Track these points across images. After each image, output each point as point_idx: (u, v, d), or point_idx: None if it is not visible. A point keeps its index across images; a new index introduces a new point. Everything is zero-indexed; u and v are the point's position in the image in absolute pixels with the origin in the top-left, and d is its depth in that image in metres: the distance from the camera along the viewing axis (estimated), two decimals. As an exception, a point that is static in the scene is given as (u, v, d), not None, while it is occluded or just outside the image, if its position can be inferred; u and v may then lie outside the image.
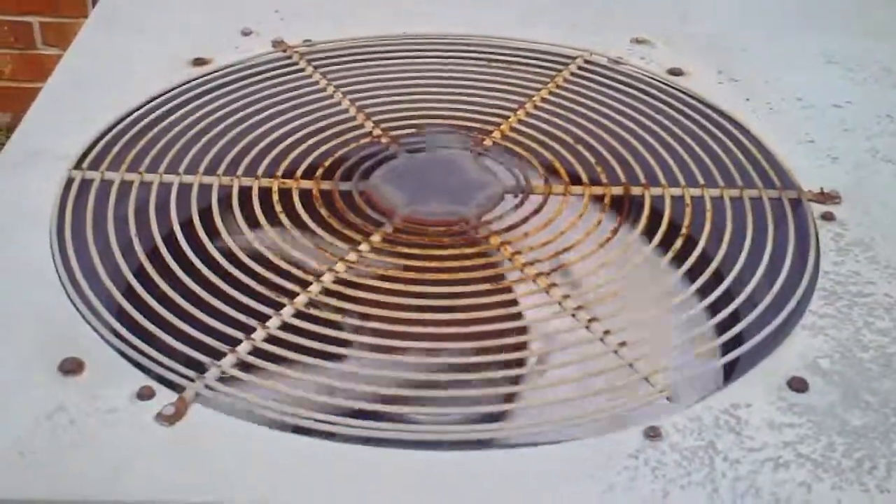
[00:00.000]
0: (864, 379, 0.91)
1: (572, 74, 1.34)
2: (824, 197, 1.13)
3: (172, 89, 1.27)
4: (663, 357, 0.92)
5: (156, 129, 1.20)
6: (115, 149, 1.16)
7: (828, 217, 1.11)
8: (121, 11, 1.47)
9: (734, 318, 0.99)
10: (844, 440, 0.85)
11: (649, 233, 1.08)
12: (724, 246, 1.06)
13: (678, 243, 1.06)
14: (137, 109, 1.23)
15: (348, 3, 1.50)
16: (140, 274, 1.00)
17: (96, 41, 1.40)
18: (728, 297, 1.01)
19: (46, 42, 2.58)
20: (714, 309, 0.99)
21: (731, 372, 0.94)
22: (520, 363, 0.94)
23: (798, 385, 0.90)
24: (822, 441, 0.85)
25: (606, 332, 0.95)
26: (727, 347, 0.95)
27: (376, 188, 1.14)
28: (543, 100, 1.29)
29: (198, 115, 1.23)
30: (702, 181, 1.15)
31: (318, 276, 1.00)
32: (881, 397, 0.89)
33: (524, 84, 1.32)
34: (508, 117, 1.26)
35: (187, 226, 1.06)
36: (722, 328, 0.97)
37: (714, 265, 1.04)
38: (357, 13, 1.47)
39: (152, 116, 1.22)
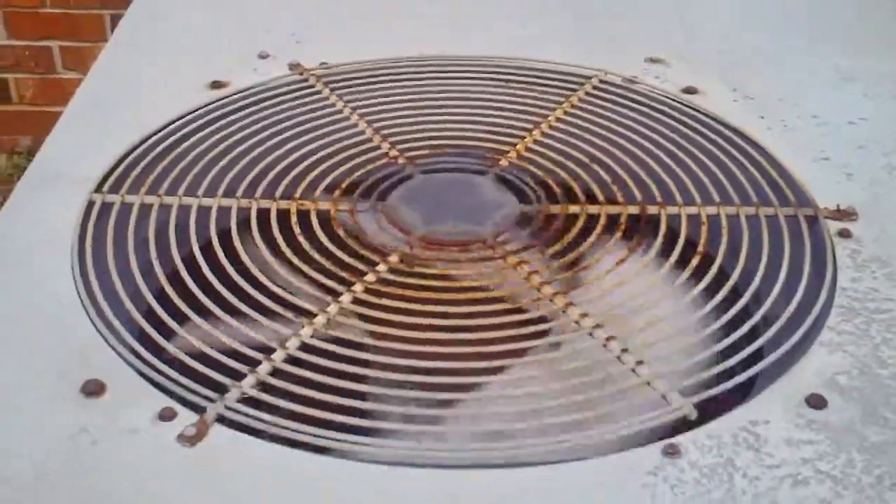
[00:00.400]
0: (883, 395, 0.91)
1: (587, 94, 1.34)
2: (841, 214, 1.13)
3: (191, 112, 1.29)
4: (681, 375, 0.92)
5: (175, 153, 1.21)
6: (135, 172, 1.18)
7: (844, 234, 1.11)
8: (139, 35, 1.49)
9: (752, 335, 0.99)
10: (864, 457, 0.85)
11: (666, 251, 1.08)
12: (741, 263, 1.07)
13: (694, 261, 1.06)
14: (157, 133, 1.25)
15: (364, 26, 1.51)
16: (160, 296, 1.01)
17: (115, 64, 1.42)
18: (745, 314, 1.01)
19: (66, 66, 2.61)
20: (731, 326, 0.99)
21: (749, 389, 0.94)
22: (536, 382, 0.94)
23: (816, 402, 0.90)
24: (841, 458, 0.85)
25: (624, 351, 0.95)
26: (745, 365, 0.95)
27: (393, 209, 1.14)
28: (559, 119, 1.30)
29: (216, 137, 1.24)
30: (717, 199, 1.16)
31: (336, 296, 1.01)
32: (901, 414, 0.90)
33: (539, 104, 1.33)
34: (524, 137, 1.27)
35: (207, 248, 1.07)
36: (739, 346, 0.97)
37: (731, 283, 1.04)
38: (372, 36, 1.48)
39: (171, 140, 1.23)
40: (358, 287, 1.03)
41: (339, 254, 1.07)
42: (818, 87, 1.37)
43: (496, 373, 0.93)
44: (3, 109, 2.70)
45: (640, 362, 0.94)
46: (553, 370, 0.95)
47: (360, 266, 1.06)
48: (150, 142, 1.23)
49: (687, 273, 1.05)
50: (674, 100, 1.33)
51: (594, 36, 1.49)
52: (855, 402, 0.90)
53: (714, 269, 1.05)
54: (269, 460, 0.84)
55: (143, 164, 1.19)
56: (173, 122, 1.27)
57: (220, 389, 0.90)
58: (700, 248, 1.08)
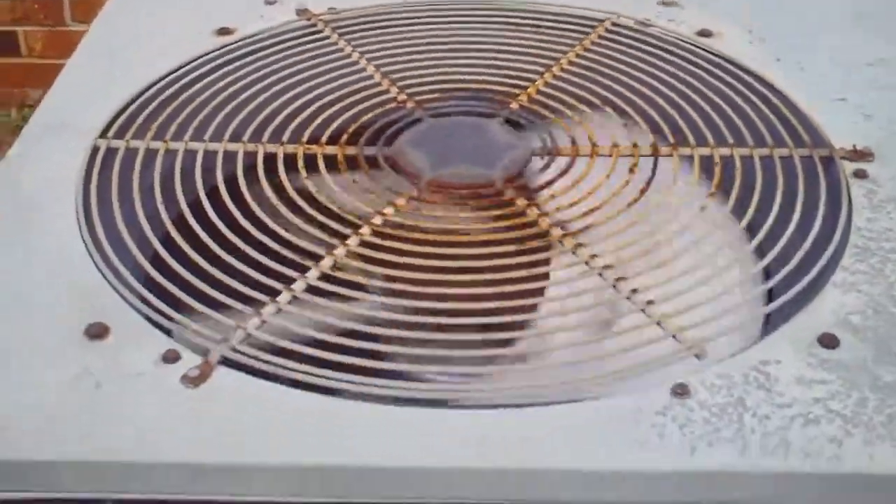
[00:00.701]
0: (897, 335, 0.90)
1: (600, 37, 1.32)
2: (857, 154, 1.11)
3: (196, 59, 1.27)
4: (692, 314, 0.91)
5: (180, 99, 1.20)
6: (140, 118, 1.16)
7: (860, 174, 1.09)
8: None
9: (765, 275, 0.98)
10: (876, 396, 0.84)
11: (678, 192, 1.07)
12: (754, 204, 1.05)
13: (707, 203, 1.04)
14: (162, 79, 1.23)
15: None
16: (166, 241, 1.00)
17: (120, 13, 1.40)
18: (759, 254, 1.00)
19: (75, 18, 2.60)
20: (745, 266, 0.98)
21: (761, 329, 0.93)
22: (547, 323, 0.93)
23: (828, 341, 0.89)
24: (853, 397, 0.84)
25: (634, 291, 0.94)
26: (758, 304, 0.94)
27: (401, 153, 1.13)
28: (571, 63, 1.27)
29: (222, 83, 1.23)
30: (731, 140, 1.14)
31: (343, 238, 1.00)
32: (915, 353, 0.88)
33: (551, 47, 1.30)
34: (535, 80, 1.25)
35: (213, 192, 1.06)
36: (753, 285, 0.96)
37: (744, 223, 1.02)
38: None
39: (177, 86, 1.22)
40: (365, 230, 1.02)
41: (348, 197, 1.06)
42: (835, 28, 1.35)
43: (504, 313, 0.92)
44: (13, 62, 2.69)
45: (650, 302, 0.92)
46: (561, 310, 0.94)
47: (368, 209, 1.05)
48: (154, 88, 1.21)
49: (699, 212, 1.03)
50: (688, 42, 1.31)
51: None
52: (868, 342, 0.89)
53: (727, 209, 1.04)
54: (274, 401, 0.83)
55: (148, 110, 1.18)
56: (179, 68, 1.26)
57: (225, 331, 0.89)
58: (713, 189, 1.06)
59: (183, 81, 1.23)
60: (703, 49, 1.29)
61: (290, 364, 0.86)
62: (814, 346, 0.88)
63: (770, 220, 1.03)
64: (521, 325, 0.91)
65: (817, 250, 0.99)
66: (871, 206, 1.05)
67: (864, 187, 1.07)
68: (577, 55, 1.29)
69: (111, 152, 1.12)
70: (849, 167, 1.10)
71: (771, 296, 0.95)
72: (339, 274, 0.96)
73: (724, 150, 1.12)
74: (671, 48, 1.29)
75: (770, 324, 0.93)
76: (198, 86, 1.22)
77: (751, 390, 0.84)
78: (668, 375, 0.86)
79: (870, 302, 0.93)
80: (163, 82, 1.23)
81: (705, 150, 1.12)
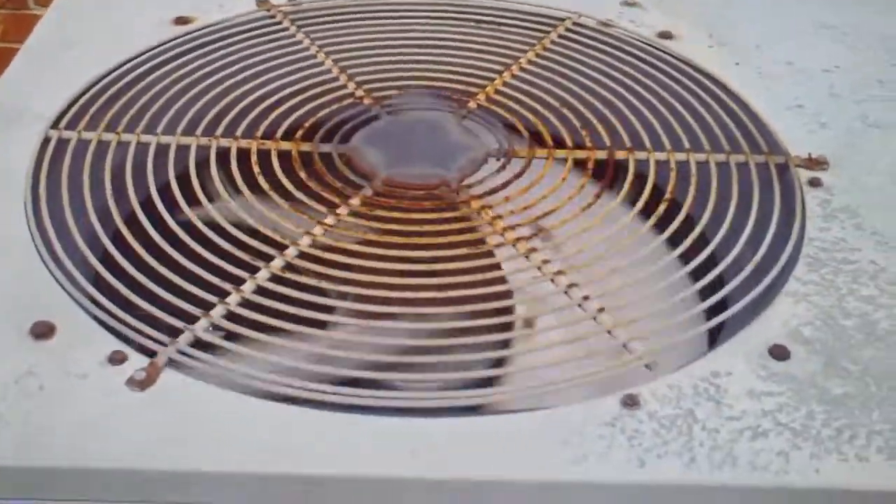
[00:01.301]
0: (846, 347, 0.90)
1: (560, 37, 1.31)
2: (812, 163, 1.11)
3: (153, 48, 1.25)
4: (643, 324, 0.91)
5: (135, 89, 1.18)
6: (93, 108, 1.14)
7: (815, 183, 1.09)
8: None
9: (718, 284, 0.98)
10: (824, 408, 0.84)
11: (633, 198, 1.06)
12: (709, 211, 1.05)
13: (661, 208, 1.05)
14: (117, 69, 1.21)
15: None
16: (116, 238, 0.98)
17: (78, 0, 1.37)
18: (712, 263, 1.00)
19: (38, 2, 2.55)
20: (697, 275, 0.98)
21: (713, 339, 0.93)
22: (497, 329, 0.93)
23: (779, 353, 0.89)
24: (801, 410, 0.84)
25: (585, 298, 0.94)
26: (709, 314, 0.94)
27: (357, 150, 1.12)
28: (530, 62, 1.27)
29: (178, 74, 1.21)
30: (688, 146, 1.14)
31: (294, 239, 0.99)
32: (862, 366, 0.88)
33: (511, 46, 1.30)
34: (494, 79, 1.24)
35: (165, 188, 1.04)
36: (705, 294, 0.96)
37: (698, 230, 1.02)
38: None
39: (132, 76, 1.20)
40: (318, 230, 1.01)
41: (300, 195, 1.05)
42: (795, 34, 1.35)
43: (452, 319, 0.91)
44: (-27, 46, 2.64)
45: (601, 310, 0.92)
46: (512, 318, 0.93)
47: (321, 208, 1.03)
48: (109, 78, 1.19)
49: (653, 220, 1.03)
50: (648, 44, 1.30)
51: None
52: (818, 354, 0.89)
53: (681, 217, 1.04)
54: (222, 406, 0.82)
55: (101, 100, 1.16)
56: (135, 58, 1.24)
57: (173, 333, 0.88)
58: (667, 196, 1.06)
59: (138, 71, 1.21)
60: (663, 51, 1.29)
61: (240, 368, 0.85)
62: (765, 357, 0.89)
63: (724, 228, 1.03)
64: (471, 332, 0.90)
65: (770, 259, 0.99)
66: (825, 216, 1.05)
67: (818, 196, 1.08)
68: (537, 54, 1.28)
69: (62, 143, 1.10)
70: (804, 175, 1.10)
71: (724, 305, 0.95)
72: (288, 275, 0.95)
73: (681, 156, 1.12)
74: (631, 49, 1.29)
75: (722, 334, 0.93)
76: (153, 76, 1.20)
77: (701, 402, 0.84)
78: (617, 386, 0.85)
79: (820, 313, 0.93)
80: (118, 71, 1.21)
81: (662, 156, 1.12)
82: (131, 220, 1.00)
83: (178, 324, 0.89)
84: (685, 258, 0.99)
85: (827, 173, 1.11)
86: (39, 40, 1.29)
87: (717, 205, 1.06)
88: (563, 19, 1.34)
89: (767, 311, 0.93)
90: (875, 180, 1.10)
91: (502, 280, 0.96)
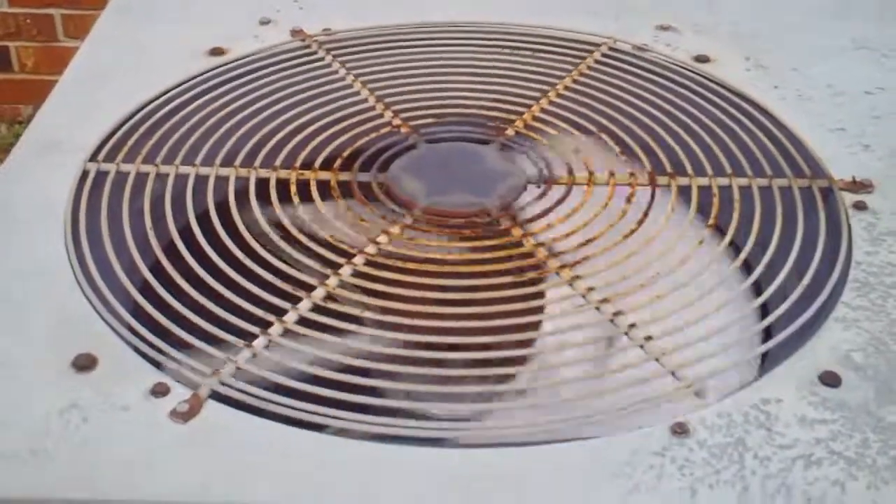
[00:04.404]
0: (899, 373, 0.88)
1: (597, 62, 1.31)
2: (856, 185, 1.10)
3: (189, 80, 1.26)
4: (691, 351, 0.90)
5: (173, 121, 1.18)
6: (131, 140, 1.15)
7: (860, 206, 1.07)
8: (137, 2, 1.45)
9: (764, 310, 0.96)
10: (879, 437, 0.82)
11: (676, 222, 1.05)
12: (753, 237, 1.04)
13: (705, 235, 1.03)
14: (154, 100, 1.22)
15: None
16: (156, 268, 0.98)
17: (113, 31, 1.38)
18: (757, 289, 0.98)
19: (68, 34, 2.58)
20: (743, 301, 0.96)
21: (761, 366, 0.91)
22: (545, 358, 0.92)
23: (830, 380, 0.87)
24: (855, 438, 0.82)
25: (632, 326, 0.92)
26: (757, 341, 0.93)
27: (396, 179, 1.11)
28: (567, 88, 1.26)
29: (215, 105, 1.21)
30: (729, 170, 1.12)
31: (336, 268, 0.98)
32: (917, 393, 0.87)
33: (548, 72, 1.29)
34: (532, 106, 1.23)
35: (204, 218, 1.04)
36: (751, 320, 0.95)
37: (742, 256, 1.01)
38: (377, 1, 1.44)
39: (169, 108, 1.20)
40: (358, 259, 1.00)
41: (340, 225, 1.04)
42: (833, 56, 1.34)
43: (501, 348, 0.90)
44: (5, 78, 2.67)
45: (648, 338, 0.91)
46: (559, 345, 0.92)
47: (361, 238, 1.03)
48: (146, 110, 1.20)
49: (697, 246, 1.02)
50: (686, 68, 1.29)
51: (604, 2, 1.45)
52: (870, 380, 0.88)
53: (725, 241, 1.02)
54: (266, 438, 0.81)
55: (139, 132, 1.16)
56: (171, 90, 1.24)
57: (215, 364, 0.87)
58: (711, 221, 1.05)
59: (175, 103, 1.21)
60: (701, 75, 1.28)
61: (282, 400, 0.84)
62: (815, 384, 0.87)
63: (769, 254, 1.01)
64: (518, 360, 0.89)
65: (817, 285, 0.97)
66: (871, 239, 1.03)
67: (863, 220, 1.06)
68: (574, 80, 1.27)
69: (101, 176, 1.10)
70: (848, 199, 1.08)
71: (771, 331, 0.94)
72: (331, 305, 0.94)
73: (723, 181, 1.11)
74: (669, 74, 1.28)
75: (770, 360, 0.91)
76: (190, 108, 1.21)
77: (751, 430, 0.83)
78: (666, 414, 0.84)
79: (871, 339, 0.92)
80: (154, 104, 1.21)
81: (703, 181, 1.11)
82: (170, 251, 1.00)
83: (220, 354, 0.88)
84: (730, 284, 0.98)
85: (872, 196, 1.09)
86: (75, 73, 1.29)
87: (762, 230, 1.05)
88: (598, 44, 1.34)
89: (816, 337, 0.92)
90: (921, 202, 1.09)
91: (545, 309, 0.95)
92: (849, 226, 1.05)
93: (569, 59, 1.32)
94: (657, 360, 0.89)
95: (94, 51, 1.34)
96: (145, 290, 0.95)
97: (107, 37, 1.37)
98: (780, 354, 0.91)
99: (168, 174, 1.11)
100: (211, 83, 1.25)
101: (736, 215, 1.06)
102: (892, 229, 1.05)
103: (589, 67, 1.30)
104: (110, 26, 1.40)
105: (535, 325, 0.92)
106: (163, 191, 1.08)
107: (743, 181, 1.11)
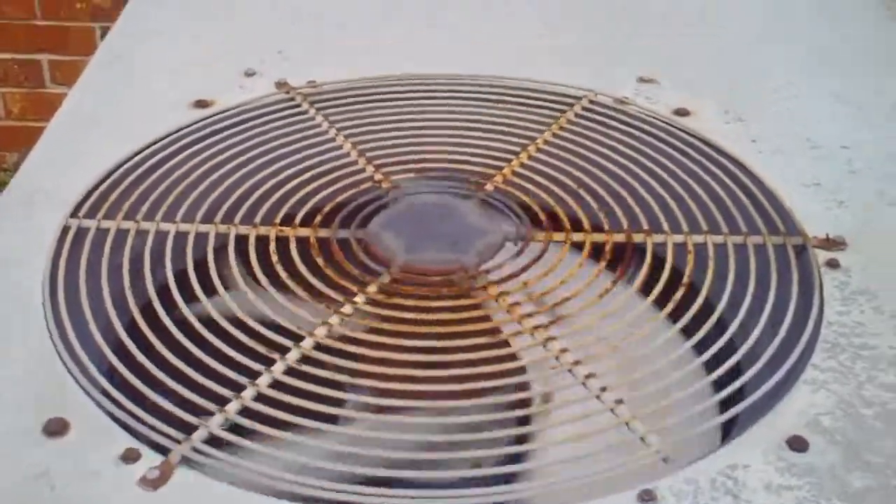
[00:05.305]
0: (867, 437, 0.89)
1: (576, 115, 1.32)
2: (829, 243, 1.11)
3: (173, 133, 1.27)
4: (661, 415, 0.90)
5: (155, 175, 1.19)
6: (113, 195, 1.16)
7: (833, 264, 1.08)
8: (125, 51, 1.47)
9: (736, 371, 0.97)
10: None
11: (651, 282, 1.06)
12: (726, 296, 1.04)
13: (679, 293, 1.04)
14: (137, 154, 1.23)
15: (353, 43, 1.49)
16: (131, 329, 0.99)
17: (100, 81, 1.40)
18: (730, 349, 0.99)
19: (55, 80, 2.59)
20: (715, 364, 0.97)
21: (730, 429, 0.92)
22: (513, 423, 0.92)
23: (798, 444, 0.88)
24: (821, 505, 0.83)
25: (603, 389, 0.93)
26: (727, 404, 0.93)
27: (374, 236, 1.12)
28: (546, 142, 1.27)
29: (197, 160, 1.23)
30: (705, 227, 1.13)
31: (311, 330, 0.99)
32: (884, 457, 0.87)
33: (528, 126, 1.30)
34: (511, 161, 1.24)
35: (182, 276, 1.05)
36: (723, 383, 0.95)
37: (715, 316, 1.02)
38: (363, 53, 1.46)
39: (151, 162, 1.21)
40: (334, 319, 1.01)
41: (317, 283, 1.05)
42: (813, 110, 1.35)
43: (469, 413, 0.91)
44: (-9, 124, 2.71)
45: (619, 401, 0.92)
46: (529, 409, 0.93)
47: (338, 297, 1.04)
48: (129, 164, 1.21)
49: (671, 305, 1.03)
50: (664, 122, 1.31)
51: (585, 54, 1.47)
52: (838, 445, 0.88)
53: (699, 302, 1.03)
54: (235, 504, 0.82)
55: (121, 187, 1.17)
56: (156, 142, 1.25)
57: (188, 430, 0.88)
58: (685, 280, 1.06)
59: (158, 157, 1.22)
60: (680, 129, 1.29)
61: (255, 466, 0.84)
62: (783, 448, 0.88)
63: (741, 315, 1.02)
64: (485, 426, 0.89)
65: (788, 346, 0.98)
66: (843, 299, 1.04)
67: (836, 278, 1.07)
68: (554, 134, 1.29)
69: (82, 232, 1.11)
70: (822, 256, 1.09)
71: (742, 393, 0.95)
72: (304, 367, 0.95)
73: (699, 238, 1.12)
74: (647, 128, 1.30)
75: (740, 424, 0.92)
76: (172, 161, 1.22)
77: (719, 496, 0.83)
78: (634, 480, 0.85)
79: (839, 402, 0.92)
80: (138, 157, 1.22)
81: (679, 238, 1.12)
82: (147, 311, 1.00)
83: (193, 420, 0.89)
84: (703, 346, 0.98)
85: (845, 254, 1.10)
86: (62, 122, 1.30)
87: (735, 289, 1.05)
88: (579, 98, 1.35)
89: (785, 400, 0.93)
90: (894, 260, 1.09)
91: (521, 371, 0.96)
92: (821, 285, 1.06)
93: (549, 112, 1.33)
94: (627, 424, 0.90)
95: (81, 100, 1.36)
96: (120, 351, 0.96)
97: (94, 87, 1.39)
98: (748, 418, 0.92)
99: (148, 231, 1.12)
100: (194, 136, 1.27)
101: (710, 273, 1.07)
102: (863, 288, 1.05)
103: (569, 121, 1.31)
104: (98, 76, 1.41)
105: (507, 390, 0.93)
106: (142, 248, 1.09)
107: (718, 238, 1.12)
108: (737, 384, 0.94)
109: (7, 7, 2.51)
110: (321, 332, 0.99)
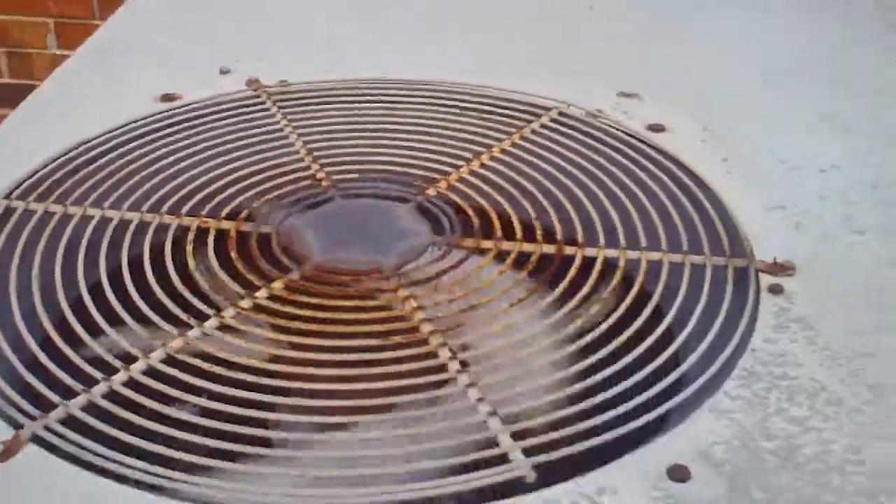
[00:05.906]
0: (759, 472, 0.82)
1: (542, 126, 1.27)
2: (776, 267, 1.04)
3: (130, 123, 1.26)
4: (536, 433, 0.84)
5: (96, 164, 1.19)
6: (47, 183, 1.15)
7: (776, 289, 1.01)
8: (113, 45, 1.48)
9: (635, 392, 0.91)
10: (716, 542, 0.76)
11: (570, 295, 1.00)
12: (646, 314, 0.98)
13: (594, 309, 0.98)
14: (86, 143, 1.22)
15: (332, 45, 1.47)
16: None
17: (76, 73, 1.41)
18: (636, 370, 0.93)
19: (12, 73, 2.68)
20: (614, 382, 0.91)
21: (610, 453, 0.86)
22: (385, 427, 0.88)
23: (678, 474, 0.81)
24: (687, 540, 0.76)
25: (479, 400, 0.88)
26: (610, 426, 0.87)
27: (297, 233, 1.09)
28: (504, 151, 1.23)
29: (144, 150, 1.22)
30: (644, 244, 1.07)
31: (201, 320, 0.96)
32: (771, 494, 0.80)
33: (488, 134, 1.26)
34: (460, 167, 1.20)
35: (89, 261, 1.04)
36: (617, 404, 0.89)
37: (626, 335, 0.95)
38: (341, 55, 1.44)
39: (96, 152, 1.21)
40: (229, 312, 0.98)
41: (223, 276, 1.02)
42: (793, 129, 1.28)
43: (349, 414, 0.86)
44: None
45: (492, 414, 0.86)
46: (404, 416, 0.88)
47: (238, 290, 1.01)
48: (73, 153, 1.20)
49: (581, 321, 0.97)
50: (633, 136, 1.25)
51: (565, 66, 1.42)
52: (724, 477, 0.81)
53: (613, 318, 0.97)
54: (79, 490, 0.79)
55: (58, 174, 1.17)
56: (112, 131, 1.25)
57: (46, 408, 0.86)
58: (605, 294, 1.00)
59: (109, 144, 1.22)
60: (647, 144, 1.23)
61: (109, 454, 0.81)
62: (661, 477, 0.81)
63: (657, 333, 0.96)
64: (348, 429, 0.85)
65: (697, 371, 0.91)
66: (776, 326, 0.97)
67: (776, 304, 1.00)
68: (513, 143, 1.24)
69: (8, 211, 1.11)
70: (766, 280, 1.02)
71: (633, 415, 0.88)
72: (182, 357, 0.92)
73: (634, 254, 1.06)
74: (613, 142, 1.24)
75: (622, 447, 0.85)
76: (118, 151, 1.22)
77: (577, 522, 0.77)
78: (493, 496, 0.79)
79: (740, 432, 0.85)
80: (86, 146, 1.22)
81: (613, 252, 1.06)
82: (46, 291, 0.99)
83: (55, 398, 0.86)
84: (605, 364, 0.92)
85: (791, 279, 1.03)
86: (27, 109, 1.31)
87: (659, 308, 0.99)
88: (549, 108, 1.30)
89: (683, 426, 0.86)
90: (842, 291, 1.01)
91: (400, 375, 0.91)
92: (755, 309, 0.98)
93: (515, 121, 1.28)
94: (494, 438, 0.84)
95: (55, 87, 1.37)
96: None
97: (69, 77, 1.39)
98: (634, 442, 0.85)
99: (74, 215, 1.11)
100: (150, 127, 1.26)
101: (636, 289, 1.01)
102: (802, 315, 0.98)
103: (533, 131, 1.26)
104: (76, 67, 1.42)
105: (380, 394, 0.89)
106: (62, 233, 1.08)
107: (655, 255, 1.06)
108: (629, 405, 0.88)
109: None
110: (211, 323, 0.96)
